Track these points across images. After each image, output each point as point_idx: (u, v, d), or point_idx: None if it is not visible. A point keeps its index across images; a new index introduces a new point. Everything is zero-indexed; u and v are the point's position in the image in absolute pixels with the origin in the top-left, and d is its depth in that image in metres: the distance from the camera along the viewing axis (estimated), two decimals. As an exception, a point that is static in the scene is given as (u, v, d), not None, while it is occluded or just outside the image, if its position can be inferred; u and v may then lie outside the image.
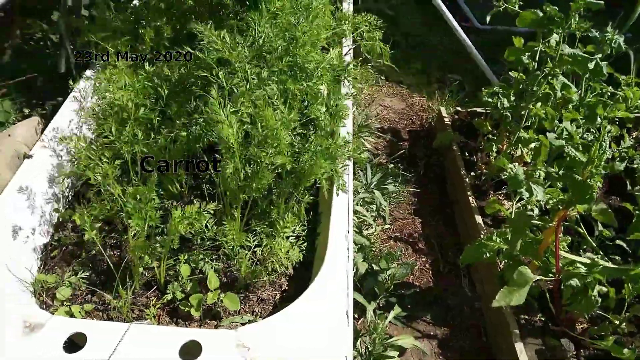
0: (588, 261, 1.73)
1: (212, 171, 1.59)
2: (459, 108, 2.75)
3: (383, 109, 2.99)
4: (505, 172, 2.32)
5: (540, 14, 2.16)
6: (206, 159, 1.66)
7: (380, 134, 2.75)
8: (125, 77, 1.58)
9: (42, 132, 1.74)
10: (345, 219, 1.57)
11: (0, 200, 1.51)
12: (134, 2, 2.28)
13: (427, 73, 3.35)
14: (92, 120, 1.63)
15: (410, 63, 3.39)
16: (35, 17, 2.20)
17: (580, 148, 1.69)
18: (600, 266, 1.64)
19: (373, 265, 2.04)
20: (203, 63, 1.54)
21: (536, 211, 2.10)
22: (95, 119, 1.61)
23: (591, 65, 2.08)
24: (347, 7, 2.43)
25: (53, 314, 1.37)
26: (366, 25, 2.15)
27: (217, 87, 1.48)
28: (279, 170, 1.55)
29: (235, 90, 1.51)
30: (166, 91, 1.61)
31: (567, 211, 1.77)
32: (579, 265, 1.75)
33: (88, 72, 1.94)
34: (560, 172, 1.96)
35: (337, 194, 1.64)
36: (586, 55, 2.09)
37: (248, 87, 1.52)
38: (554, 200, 2.03)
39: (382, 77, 3.19)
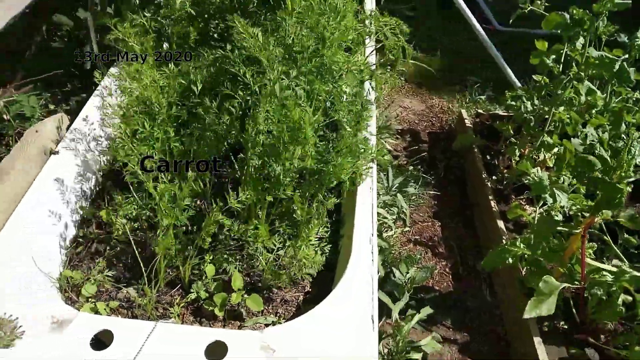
0: (615, 269, 1.70)
1: (238, 171, 1.58)
2: (480, 110, 2.72)
3: (403, 109, 2.97)
4: (527, 177, 2.30)
5: (567, 16, 2.13)
6: (232, 158, 1.65)
7: (400, 136, 2.74)
8: (153, 73, 1.58)
9: (67, 128, 1.76)
10: (369, 222, 1.56)
11: (26, 196, 1.53)
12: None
13: (447, 75, 3.32)
14: (117, 117, 1.63)
15: (430, 64, 3.37)
16: (60, 14, 2.22)
17: (610, 152, 1.67)
18: (628, 274, 1.62)
19: (392, 268, 2.03)
20: (232, 61, 1.53)
21: (559, 217, 2.07)
22: (120, 116, 1.62)
23: (617, 67, 2.04)
24: (370, 7, 2.41)
25: (79, 310, 1.38)
26: (390, 27, 2.13)
27: (245, 86, 1.48)
28: (303, 172, 1.55)
29: (262, 91, 1.51)
30: (199, 87, 1.60)
31: (595, 217, 1.74)
32: (605, 273, 1.72)
33: (113, 69, 1.95)
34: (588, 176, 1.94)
35: (361, 196, 1.63)
36: (613, 57, 2.05)
37: (276, 86, 1.51)
38: (578, 206, 2.01)
39: (402, 78, 3.16)
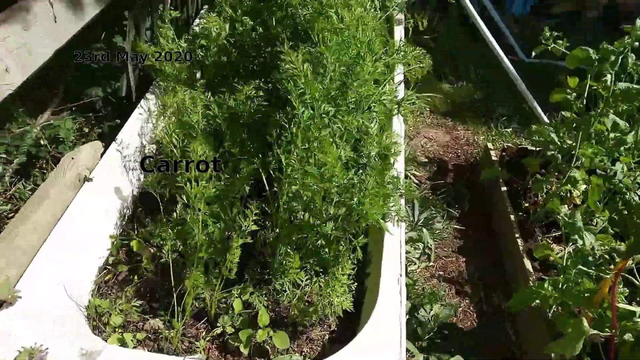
0: (648, 316, 1.66)
1: (272, 207, 1.58)
2: (506, 144, 2.70)
3: (427, 140, 2.96)
4: (555, 214, 2.26)
5: (591, 51, 2.11)
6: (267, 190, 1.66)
7: (425, 167, 2.73)
8: (196, 104, 1.61)
9: (102, 154, 1.79)
10: (397, 261, 1.55)
11: (59, 224, 1.55)
12: (193, 28, 2.35)
13: (473, 105, 3.32)
14: (154, 144, 1.66)
15: (455, 95, 3.37)
16: (98, 40, 2.28)
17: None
18: (663, 323, 1.57)
19: (416, 304, 2.00)
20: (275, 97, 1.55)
21: (590, 259, 2.03)
22: (158, 143, 1.64)
23: (644, 97, 2.01)
24: (399, 36, 2.44)
25: (106, 340, 1.39)
26: (416, 57, 2.13)
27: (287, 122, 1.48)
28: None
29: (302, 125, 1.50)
30: (246, 125, 1.62)
31: (627, 262, 1.70)
32: (637, 319, 1.67)
33: (149, 95, 1.98)
34: (619, 217, 1.90)
35: (390, 234, 1.62)
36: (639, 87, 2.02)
37: (316, 122, 1.50)
38: (607, 247, 1.97)
39: (427, 108, 3.16)
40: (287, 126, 1.48)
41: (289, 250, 1.48)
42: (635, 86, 2.02)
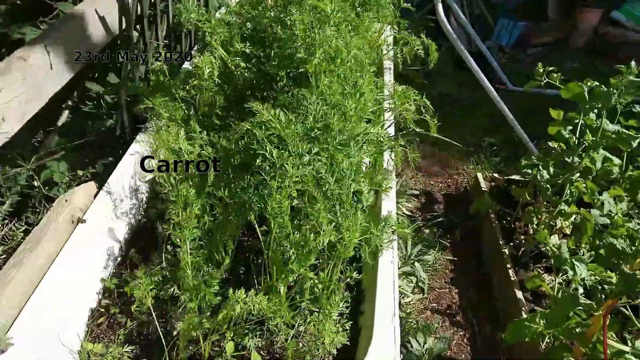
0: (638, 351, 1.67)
1: (263, 247, 1.60)
2: (495, 175, 2.74)
3: (418, 170, 3.00)
4: (545, 245, 2.29)
5: (585, 88, 2.17)
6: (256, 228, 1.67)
7: (416, 197, 2.76)
8: (184, 144, 1.63)
9: (95, 195, 1.80)
10: (391, 299, 1.55)
11: (52, 267, 1.55)
12: (184, 66, 2.39)
13: (462, 136, 3.37)
14: (147, 184, 1.67)
15: (444, 125, 3.42)
16: (92, 79, 2.31)
17: (627, 240, 1.67)
18: (654, 360, 1.59)
19: (410, 337, 2.00)
20: (256, 139, 1.58)
21: (580, 290, 2.05)
22: (150, 183, 1.66)
23: (635, 144, 2.07)
24: (388, 78, 2.49)
25: (99, 387, 1.38)
26: (408, 99, 2.18)
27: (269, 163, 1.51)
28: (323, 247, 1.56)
29: (287, 166, 1.54)
30: (234, 165, 1.65)
31: (616, 300, 1.72)
32: (629, 357, 1.69)
33: (142, 136, 2.01)
34: (605, 253, 1.93)
35: (382, 270, 1.64)
36: (630, 134, 2.08)
37: (299, 161, 1.54)
38: (598, 277, 1.99)
39: (417, 139, 3.21)
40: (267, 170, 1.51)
41: (280, 289, 1.49)
42: (624, 130, 2.08)
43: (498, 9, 4.93)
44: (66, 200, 1.65)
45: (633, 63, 2.01)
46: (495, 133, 3.37)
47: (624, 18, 4.41)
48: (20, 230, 1.80)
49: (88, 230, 1.67)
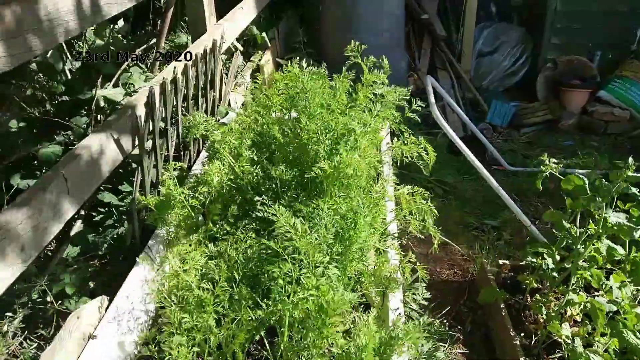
0: None
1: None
2: (500, 261, 2.76)
3: (422, 257, 3.02)
4: (557, 335, 2.27)
5: (586, 180, 2.25)
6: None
7: (423, 289, 2.75)
8: (195, 261, 1.67)
9: (106, 308, 1.82)
10: (405, 412, 1.53)
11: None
12: (194, 170, 2.49)
13: (463, 219, 3.43)
14: (156, 301, 1.70)
15: (445, 210, 3.49)
16: (105, 188, 2.40)
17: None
18: None
19: None
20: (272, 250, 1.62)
21: (597, 384, 2.01)
22: (160, 300, 1.68)
23: (636, 235, 2.12)
24: (388, 171, 2.57)
25: None
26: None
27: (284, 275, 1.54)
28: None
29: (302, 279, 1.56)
30: (240, 275, 1.68)
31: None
32: None
33: (151, 244, 2.06)
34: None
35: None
36: (631, 225, 2.13)
37: (313, 272, 1.57)
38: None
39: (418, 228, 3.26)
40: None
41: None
42: (626, 222, 2.13)
43: (490, 90, 5.19)
44: (78, 317, 1.67)
45: (631, 159, 2.11)
46: (496, 214, 3.43)
47: (610, 96, 4.63)
48: (32, 347, 1.80)
49: (98, 347, 1.67)
